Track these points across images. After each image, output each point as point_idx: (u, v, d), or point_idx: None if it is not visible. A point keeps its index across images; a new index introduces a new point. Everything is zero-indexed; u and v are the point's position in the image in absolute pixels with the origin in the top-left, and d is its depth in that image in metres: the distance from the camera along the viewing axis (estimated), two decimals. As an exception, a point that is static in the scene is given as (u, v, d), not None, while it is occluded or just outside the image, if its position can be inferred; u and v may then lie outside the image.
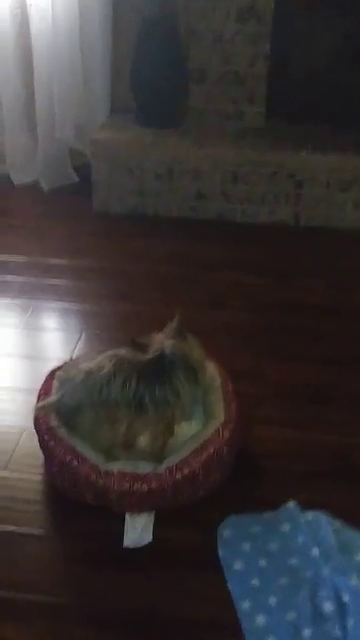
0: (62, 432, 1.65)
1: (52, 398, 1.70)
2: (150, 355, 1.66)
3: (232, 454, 1.70)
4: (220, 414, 1.72)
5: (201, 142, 3.00)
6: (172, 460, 1.62)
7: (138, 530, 1.56)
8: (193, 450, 1.63)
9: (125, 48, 3.09)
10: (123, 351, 1.68)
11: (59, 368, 1.83)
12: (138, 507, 1.58)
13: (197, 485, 1.62)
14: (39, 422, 1.69)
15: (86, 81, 3.14)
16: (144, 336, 1.71)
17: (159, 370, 1.65)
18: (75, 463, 1.59)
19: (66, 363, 1.87)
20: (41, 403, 1.71)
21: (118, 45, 3.13)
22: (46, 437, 1.65)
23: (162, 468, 1.60)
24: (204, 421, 1.73)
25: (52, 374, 1.81)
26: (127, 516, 1.58)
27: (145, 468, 1.62)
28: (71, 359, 1.93)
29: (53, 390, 1.74)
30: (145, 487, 1.57)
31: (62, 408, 1.67)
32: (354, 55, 3.11)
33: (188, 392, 1.68)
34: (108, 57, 3.15)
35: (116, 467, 1.60)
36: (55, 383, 1.76)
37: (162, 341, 1.67)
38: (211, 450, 1.63)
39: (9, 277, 2.59)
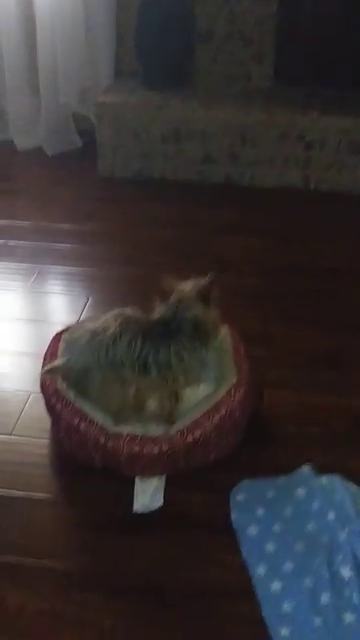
0: (69, 395, 1.60)
1: (59, 361, 1.65)
2: (157, 315, 1.60)
3: (245, 416, 1.65)
4: (232, 376, 1.67)
5: (208, 104, 2.91)
6: (183, 422, 1.58)
7: (148, 494, 1.51)
8: (205, 412, 1.58)
9: (129, 9, 3.00)
10: (129, 310, 1.62)
11: (65, 331, 1.78)
12: (148, 470, 1.54)
13: (209, 448, 1.58)
14: (45, 385, 1.65)
15: (90, 44, 3.05)
16: (172, 281, 1.62)
17: (165, 332, 1.59)
18: (83, 426, 1.55)
19: (72, 326, 1.82)
20: (48, 366, 1.66)
21: (122, 6, 3.04)
22: (53, 400, 1.61)
23: (173, 430, 1.56)
24: (215, 384, 1.69)
25: (58, 337, 1.76)
26: (137, 480, 1.54)
27: (156, 431, 1.58)
28: (77, 322, 1.87)
29: (59, 353, 1.69)
30: (156, 449, 1.52)
31: (69, 371, 1.62)
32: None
33: (193, 357, 1.62)
34: (112, 19, 3.05)
35: (126, 429, 1.56)
36: (61, 345, 1.71)
37: (179, 298, 1.60)
38: (223, 412, 1.58)
39: (13, 242, 2.54)
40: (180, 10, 2.93)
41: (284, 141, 2.88)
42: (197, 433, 1.55)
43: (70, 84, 3.05)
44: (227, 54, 3.05)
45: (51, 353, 1.71)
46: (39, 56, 3.00)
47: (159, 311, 1.61)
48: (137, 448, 1.52)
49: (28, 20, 2.99)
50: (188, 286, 1.61)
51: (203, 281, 1.62)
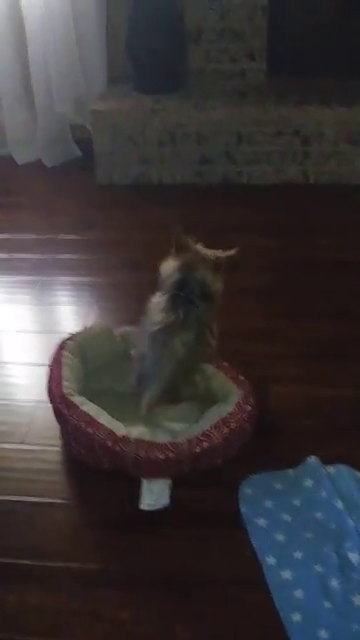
0: (76, 399, 1.64)
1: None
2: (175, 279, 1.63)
3: (253, 425, 1.66)
4: (235, 390, 1.70)
5: (202, 104, 2.94)
6: (193, 432, 1.60)
7: (155, 493, 1.54)
8: (215, 424, 1.59)
9: (120, 15, 3.03)
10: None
11: (69, 339, 1.82)
12: (154, 474, 1.56)
13: (216, 456, 1.59)
14: (52, 392, 1.68)
15: (82, 52, 3.09)
16: (186, 239, 1.66)
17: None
18: (90, 430, 1.58)
19: (75, 334, 1.86)
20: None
21: (112, 12, 3.07)
22: (60, 406, 1.64)
23: (182, 439, 1.57)
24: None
25: (62, 346, 1.80)
26: (143, 480, 1.56)
27: (164, 436, 1.60)
28: (82, 329, 1.91)
29: (64, 360, 1.73)
30: (162, 456, 1.54)
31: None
32: (354, 2, 3.02)
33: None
34: (102, 25, 3.09)
35: (134, 433, 1.59)
36: (66, 353, 1.74)
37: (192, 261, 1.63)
38: (233, 425, 1.60)
39: (19, 255, 2.58)
40: (170, 11, 2.95)
41: (280, 137, 2.90)
42: (205, 445, 1.56)
43: (64, 93, 3.08)
44: (219, 52, 3.07)
45: (56, 362, 1.74)
46: (31, 67, 3.04)
47: (173, 273, 1.63)
48: (143, 454, 1.54)
49: (18, 31, 3.02)
50: (205, 251, 1.65)
51: (224, 255, 1.65)
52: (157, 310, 1.65)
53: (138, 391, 1.69)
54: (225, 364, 1.80)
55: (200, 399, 1.74)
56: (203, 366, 1.78)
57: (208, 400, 1.73)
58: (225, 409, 1.64)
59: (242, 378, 1.75)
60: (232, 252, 1.66)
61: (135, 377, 1.70)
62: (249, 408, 1.65)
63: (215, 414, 1.64)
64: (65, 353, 1.76)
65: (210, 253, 1.67)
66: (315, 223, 2.67)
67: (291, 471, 1.61)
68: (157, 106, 2.93)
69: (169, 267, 1.66)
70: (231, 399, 1.68)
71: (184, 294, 1.62)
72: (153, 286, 1.73)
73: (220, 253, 1.66)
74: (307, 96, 2.93)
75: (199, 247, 1.68)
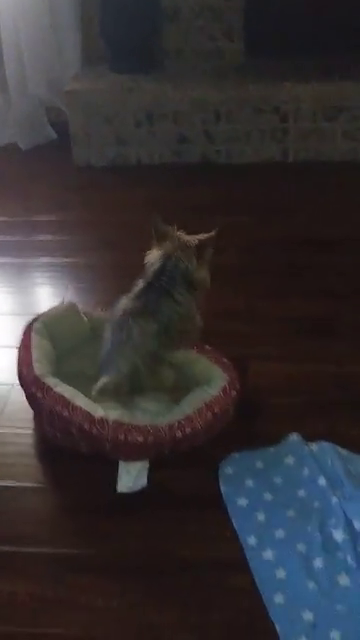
0: (49, 381, 1.58)
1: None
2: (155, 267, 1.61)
3: (234, 410, 1.61)
4: (220, 374, 1.65)
5: (179, 83, 2.88)
6: (174, 416, 1.54)
7: (132, 475, 1.49)
8: (198, 409, 1.54)
9: (93, -6, 2.96)
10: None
11: (35, 321, 1.76)
12: (134, 457, 1.51)
13: (197, 440, 1.54)
14: (23, 375, 1.62)
15: (56, 33, 3.01)
16: (166, 228, 1.63)
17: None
18: (66, 412, 1.52)
19: (41, 315, 1.80)
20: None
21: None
22: (32, 389, 1.58)
23: (163, 422, 1.52)
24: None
25: (29, 327, 1.74)
26: (120, 462, 1.51)
27: (143, 418, 1.55)
28: (48, 310, 1.85)
29: (33, 343, 1.68)
30: (141, 439, 1.48)
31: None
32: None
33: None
34: (76, 4, 3.01)
35: (112, 415, 1.53)
36: (34, 336, 1.69)
37: (173, 248, 1.60)
38: (217, 410, 1.55)
39: (-7, 238, 2.52)
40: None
41: (259, 115, 2.85)
42: (187, 430, 1.51)
43: (38, 75, 3.02)
44: (196, 32, 3.01)
45: (24, 345, 1.69)
46: (4, 49, 2.97)
47: (155, 262, 1.61)
48: (122, 436, 1.48)
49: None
50: (186, 237, 1.61)
51: (204, 236, 1.62)
52: (126, 297, 1.63)
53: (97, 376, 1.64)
54: (208, 347, 1.76)
55: (169, 391, 1.67)
56: (182, 355, 1.72)
57: (182, 390, 1.67)
58: (209, 392, 1.59)
59: (226, 361, 1.70)
60: (212, 234, 1.62)
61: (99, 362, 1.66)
62: (234, 394, 1.60)
63: (198, 398, 1.59)
64: (33, 335, 1.71)
65: (191, 239, 1.62)
66: (295, 201, 2.63)
67: (272, 449, 1.57)
68: (133, 85, 2.87)
69: (153, 256, 1.63)
70: (215, 383, 1.63)
71: (161, 283, 1.59)
72: (129, 267, 1.69)
73: (200, 237, 1.62)
74: (285, 74, 2.89)
75: (179, 234, 1.63)
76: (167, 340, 1.62)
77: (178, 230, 1.65)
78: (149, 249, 1.66)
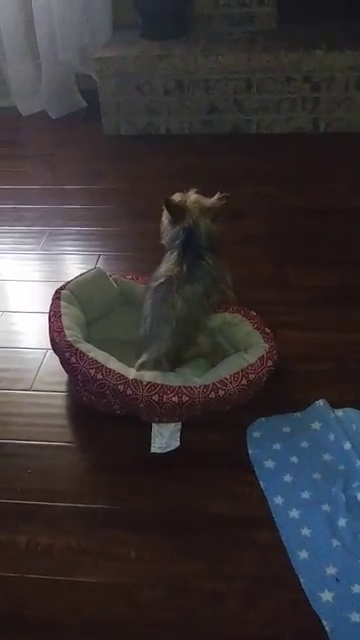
0: (82, 347, 1.63)
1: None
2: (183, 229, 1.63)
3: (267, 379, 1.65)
4: (260, 342, 1.67)
5: (210, 51, 2.86)
6: (210, 378, 1.58)
7: (166, 436, 1.54)
8: (234, 374, 1.58)
9: None
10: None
11: (63, 288, 1.80)
12: (167, 418, 1.56)
13: (228, 403, 1.58)
14: (56, 341, 1.67)
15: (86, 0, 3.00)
16: (180, 197, 1.67)
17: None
18: (100, 375, 1.57)
19: (68, 282, 1.84)
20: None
21: None
22: (67, 355, 1.63)
23: (197, 383, 1.56)
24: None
25: (57, 295, 1.78)
26: (153, 424, 1.56)
27: (176, 380, 1.58)
28: (76, 277, 1.88)
29: (62, 310, 1.72)
30: (175, 399, 1.52)
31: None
32: None
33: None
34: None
35: (146, 377, 1.57)
36: (62, 303, 1.73)
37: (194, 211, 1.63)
38: (252, 377, 1.58)
39: (24, 206, 2.56)
40: None
41: (290, 84, 2.83)
42: (221, 392, 1.54)
43: (68, 42, 3.02)
44: (228, -3, 2.98)
45: (54, 313, 1.73)
46: (35, 17, 2.98)
47: (179, 231, 1.63)
48: (156, 397, 1.53)
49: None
50: (201, 200, 1.65)
51: (216, 203, 1.65)
52: (164, 265, 1.65)
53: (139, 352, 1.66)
54: (253, 313, 1.78)
55: (206, 355, 1.71)
56: (228, 317, 1.76)
57: (219, 354, 1.71)
58: (246, 359, 1.62)
59: (268, 330, 1.73)
60: (222, 197, 1.65)
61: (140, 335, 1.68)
62: (270, 364, 1.63)
63: (235, 363, 1.61)
64: (62, 303, 1.75)
65: (205, 201, 1.65)
66: (325, 171, 2.62)
67: (299, 414, 1.61)
68: (164, 52, 2.86)
69: (172, 230, 1.66)
70: (254, 350, 1.65)
71: (192, 248, 1.62)
72: (157, 235, 1.72)
73: (214, 201, 1.65)
74: (317, 41, 2.85)
75: (192, 197, 1.66)
76: (208, 304, 1.66)
77: (189, 192, 1.68)
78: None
